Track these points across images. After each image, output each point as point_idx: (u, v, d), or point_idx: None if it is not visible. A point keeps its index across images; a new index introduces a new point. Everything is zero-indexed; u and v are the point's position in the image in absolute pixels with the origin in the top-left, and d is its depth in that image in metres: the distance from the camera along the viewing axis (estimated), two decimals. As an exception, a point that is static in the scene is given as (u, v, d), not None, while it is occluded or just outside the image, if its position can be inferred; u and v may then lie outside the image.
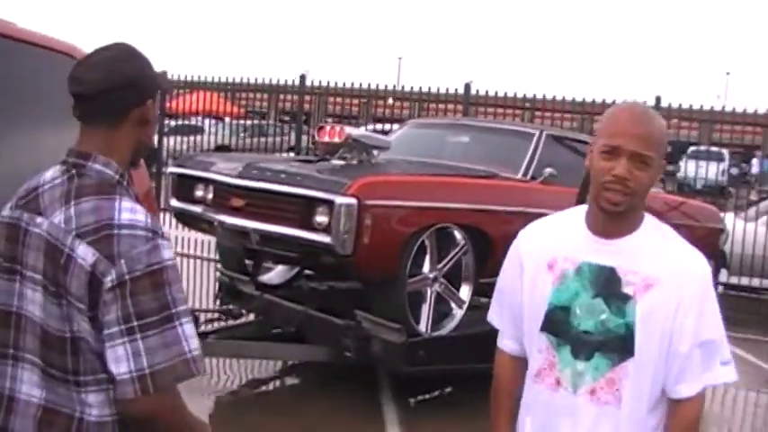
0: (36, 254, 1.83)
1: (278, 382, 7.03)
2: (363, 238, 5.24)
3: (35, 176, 1.96)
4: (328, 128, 6.24)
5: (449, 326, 5.99)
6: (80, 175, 1.85)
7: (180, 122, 17.76)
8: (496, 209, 6.20)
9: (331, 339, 5.97)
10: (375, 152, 6.42)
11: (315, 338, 6.21)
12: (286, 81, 13.32)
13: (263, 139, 19.14)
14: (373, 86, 13.50)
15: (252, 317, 6.96)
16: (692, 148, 19.92)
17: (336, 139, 6.14)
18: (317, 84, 13.99)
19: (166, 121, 18.27)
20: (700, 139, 17.92)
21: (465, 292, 6.10)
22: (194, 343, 1.77)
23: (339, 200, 5.21)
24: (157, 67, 2.03)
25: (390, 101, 15.22)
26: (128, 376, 1.72)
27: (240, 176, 5.89)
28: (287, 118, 19.00)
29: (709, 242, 9.17)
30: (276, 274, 7.06)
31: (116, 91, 1.84)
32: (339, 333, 5.78)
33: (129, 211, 1.79)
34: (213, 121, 20.04)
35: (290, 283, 6.97)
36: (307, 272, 7.04)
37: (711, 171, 17.48)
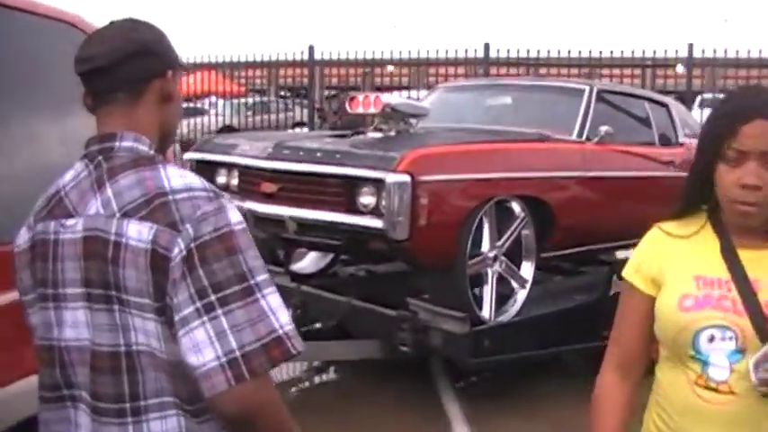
0: (73, 263, 1.56)
1: (318, 381, 6.44)
2: (420, 219, 4.61)
3: (50, 186, 1.70)
4: (361, 97, 5.60)
5: (512, 309, 5.37)
6: (108, 159, 1.60)
7: (183, 105, 17.16)
8: (555, 175, 5.59)
9: (382, 333, 5.36)
10: (413, 121, 5.80)
11: (362, 333, 5.59)
12: (294, 55, 12.67)
13: (266, 117, 18.82)
14: (370, 56, 12.84)
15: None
16: (702, 96, 19.35)
17: (372, 110, 5.52)
18: (320, 56, 13.39)
19: None
20: (703, 87, 17.30)
21: (527, 269, 5.48)
22: (284, 316, 1.48)
23: (390, 177, 4.58)
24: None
25: (390, 68, 14.65)
26: (215, 363, 1.42)
27: (271, 158, 5.26)
28: (287, 93, 18.59)
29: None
30: (309, 261, 6.43)
31: (131, 59, 1.62)
32: (392, 326, 5.16)
33: (180, 177, 1.55)
34: (214, 100, 19.64)
35: (325, 270, 6.36)
36: (343, 257, 6.43)
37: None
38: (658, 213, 6.38)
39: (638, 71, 15.85)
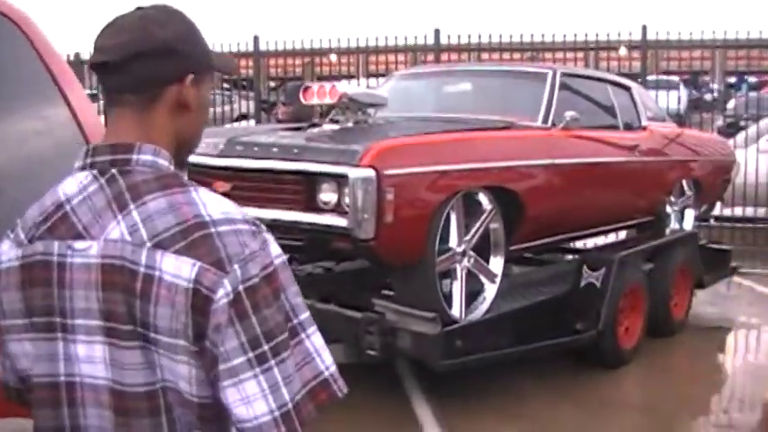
0: (86, 292, 1.37)
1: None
2: (386, 216, 4.34)
3: (45, 197, 1.48)
4: (316, 87, 5.31)
5: (483, 306, 5.13)
6: (124, 173, 1.40)
7: None
8: (523, 164, 5.35)
9: (347, 336, 5.07)
10: (371, 111, 5.52)
11: (325, 337, 5.28)
12: (239, 46, 12.27)
13: (210, 110, 18.58)
14: (317, 44, 12.45)
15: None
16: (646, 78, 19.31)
17: (328, 100, 5.24)
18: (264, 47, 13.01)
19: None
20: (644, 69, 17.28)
21: (496, 263, 5.25)
22: (328, 357, 1.41)
23: (353, 173, 4.30)
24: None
25: (333, 57, 14.30)
26: (269, 417, 1.33)
27: (223, 155, 4.95)
28: (227, 86, 18.31)
29: (727, 178, 8.49)
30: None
31: (145, 58, 1.39)
32: (358, 328, 4.87)
33: (217, 203, 1.39)
34: None
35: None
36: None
37: (668, 100, 16.69)
38: (625, 200, 6.17)
39: (582, 55, 15.74)
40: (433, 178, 4.64)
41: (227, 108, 17.90)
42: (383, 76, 8.92)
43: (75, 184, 1.44)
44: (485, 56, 11.77)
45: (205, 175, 5.13)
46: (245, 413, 1.33)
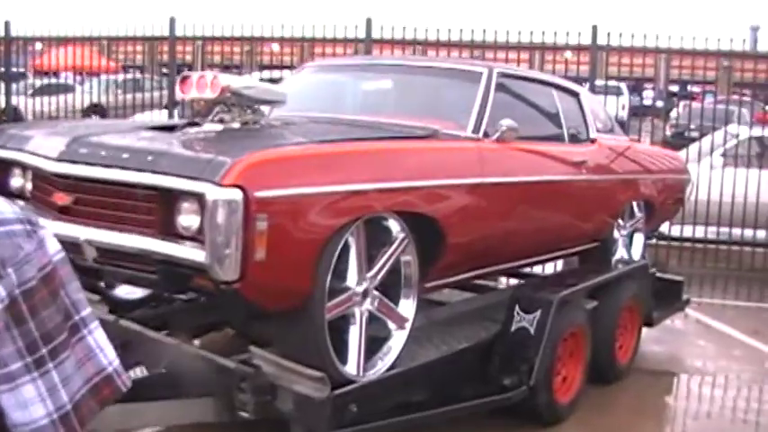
0: None
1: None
2: (256, 252, 3.31)
3: None
4: (195, 77, 4.28)
5: (388, 359, 4.13)
6: None
7: (48, 81, 16.88)
8: (445, 183, 4.36)
9: (218, 389, 4.05)
10: (265, 110, 4.51)
11: (194, 387, 4.25)
12: (162, 30, 11.22)
13: (139, 95, 17.73)
14: (257, 31, 11.49)
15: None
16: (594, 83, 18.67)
17: (208, 94, 4.22)
18: (190, 30, 12.04)
19: (31, 81, 17.16)
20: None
21: (407, 305, 4.25)
22: (112, 352, 1.36)
23: (212, 193, 3.27)
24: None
25: (276, 47, 13.39)
26: (47, 420, 1.29)
27: (63, 159, 3.89)
28: (166, 71, 17.52)
29: (680, 197, 7.63)
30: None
31: None
32: (231, 381, 3.86)
33: None
34: (80, 78, 18.45)
35: (156, 297, 5.00)
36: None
37: (612, 106, 16.00)
38: (568, 225, 5.11)
39: (529, 54, 14.89)
40: (325, 201, 3.61)
41: (156, 95, 16.96)
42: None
43: None
44: (426, 53, 10.85)
45: (46, 183, 4.09)
46: (22, 417, 1.31)
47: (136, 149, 3.76)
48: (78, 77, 18.45)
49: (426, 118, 4.92)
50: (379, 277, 4.05)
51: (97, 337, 1.35)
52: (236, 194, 3.24)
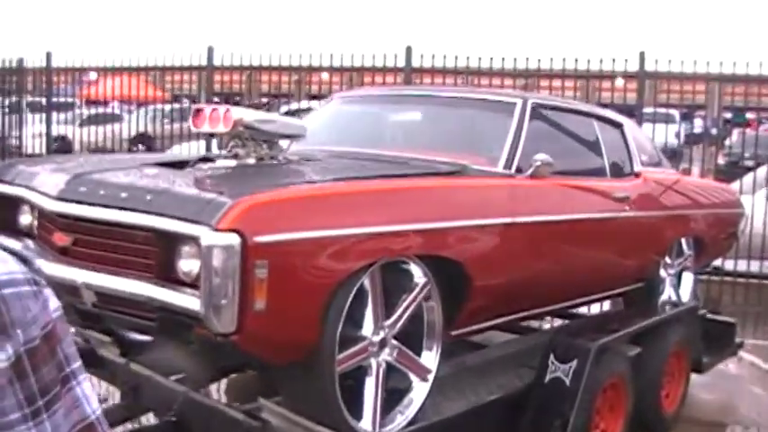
0: None
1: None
2: (255, 302, 3.04)
3: None
4: (208, 110, 4.05)
5: (408, 413, 3.83)
6: None
7: (95, 111, 16.95)
8: (472, 224, 4.05)
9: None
10: (283, 144, 4.26)
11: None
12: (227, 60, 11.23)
13: (186, 125, 17.79)
14: (305, 61, 11.36)
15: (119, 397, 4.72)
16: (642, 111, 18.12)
17: (221, 128, 3.98)
18: (237, 60, 12.02)
19: (79, 111, 17.35)
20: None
21: (430, 356, 3.95)
22: (95, 402, 1.43)
23: (207, 238, 3.01)
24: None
25: (325, 75, 13.24)
26: None
27: (62, 197, 3.68)
28: (216, 100, 17.51)
29: (732, 231, 7.21)
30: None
31: None
32: (237, 434, 3.58)
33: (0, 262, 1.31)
34: (127, 107, 18.61)
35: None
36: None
37: (664, 134, 15.41)
38: (610, 266, 4.73)
39: (577, 83, 14.53)
40: (337, 245, 3.33)
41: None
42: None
43: None
44: (471, 82, 10.58)
45: (47, 221, 3.88)
46: None
47: (135, 188, 3.53)
48: (126, 107, 18.42)
49: (455, 152, 4.64)
50: (399, 325, 3.75)
51: (84, 389, 1.42)
52: (233, 239, 2.98)
